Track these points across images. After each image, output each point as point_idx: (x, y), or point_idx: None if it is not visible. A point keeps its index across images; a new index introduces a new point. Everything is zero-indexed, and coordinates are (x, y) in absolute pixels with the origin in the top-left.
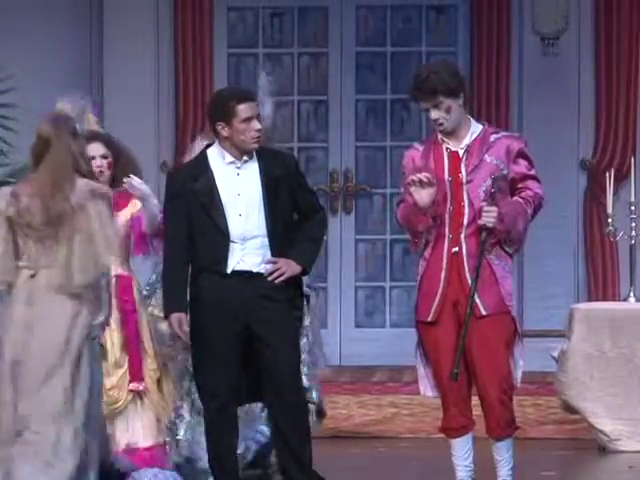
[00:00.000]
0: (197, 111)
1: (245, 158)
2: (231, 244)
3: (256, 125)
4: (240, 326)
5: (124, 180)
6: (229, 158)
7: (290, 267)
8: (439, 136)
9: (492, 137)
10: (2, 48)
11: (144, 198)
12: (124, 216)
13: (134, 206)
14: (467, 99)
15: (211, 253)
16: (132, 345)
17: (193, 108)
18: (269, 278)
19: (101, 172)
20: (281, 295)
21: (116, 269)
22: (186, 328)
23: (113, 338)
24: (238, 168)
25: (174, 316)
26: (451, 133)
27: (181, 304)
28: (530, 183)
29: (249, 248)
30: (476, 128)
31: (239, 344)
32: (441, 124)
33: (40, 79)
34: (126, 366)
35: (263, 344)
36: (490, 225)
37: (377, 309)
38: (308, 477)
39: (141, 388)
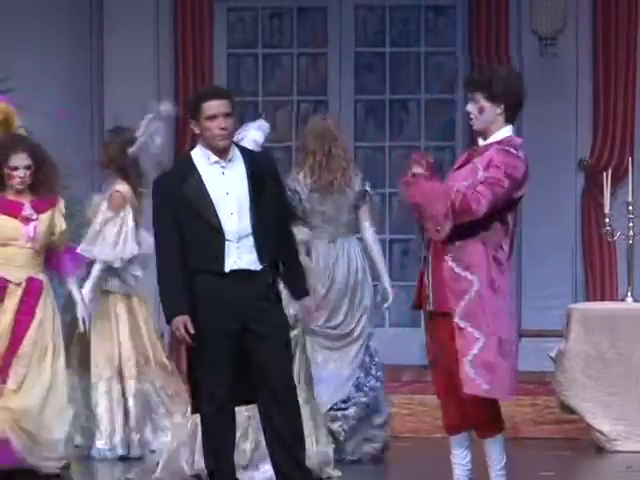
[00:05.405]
0: None
1: (230, 157)
2: (226, 242)
3: (221, 123)
4: (237, 326)
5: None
6: (213, 158)
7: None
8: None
9: (494, 147)
10: (2, 49)
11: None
12: (43, 222)
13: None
14: (513, 112)
15: (207, 252)
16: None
17: None
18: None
19: (22, 182)
20: (276, 294)
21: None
22: (192, 330)
23: None
24: (223, 167)
25: (179, 319)
26: (480, 133)
27: (184, 307)
28: (479, 187)
29: (244, 246)
30: (498, 136)
31: (236, 345)
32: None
33: (40, 79)
34: None
35: (258, 343)
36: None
37: (377, 309)
38: (304, 475)
39: None
